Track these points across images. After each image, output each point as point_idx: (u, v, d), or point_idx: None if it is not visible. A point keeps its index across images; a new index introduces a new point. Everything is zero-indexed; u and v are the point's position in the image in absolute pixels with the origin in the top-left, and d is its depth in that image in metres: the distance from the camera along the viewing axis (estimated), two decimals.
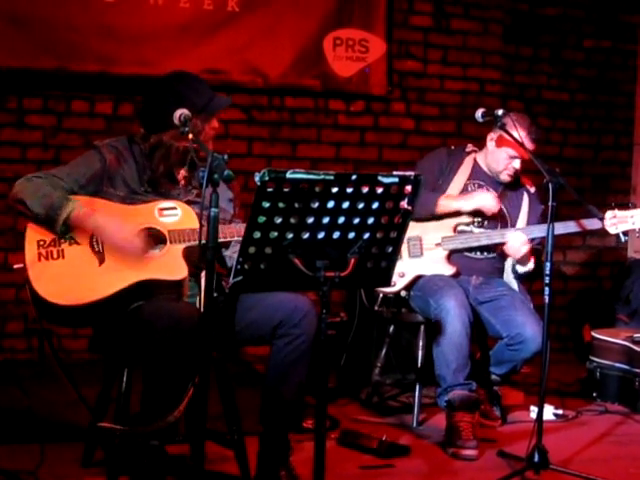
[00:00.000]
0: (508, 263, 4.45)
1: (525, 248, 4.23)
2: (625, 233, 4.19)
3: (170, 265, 3.19)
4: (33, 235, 3.24)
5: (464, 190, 4.45)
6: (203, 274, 3.09)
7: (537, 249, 4.39)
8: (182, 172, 3.44)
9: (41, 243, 3.22)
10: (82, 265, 3.19)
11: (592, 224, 4.18)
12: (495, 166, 4.43)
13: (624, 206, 4.23)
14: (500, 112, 4.06)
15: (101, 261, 3.20)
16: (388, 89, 6.10)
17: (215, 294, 2.77)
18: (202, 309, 3.02)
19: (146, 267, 3.18)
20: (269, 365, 3.30)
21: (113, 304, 3.15)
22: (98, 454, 3.47)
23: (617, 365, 4.99)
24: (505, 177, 4.43)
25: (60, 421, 3.87)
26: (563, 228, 4.17)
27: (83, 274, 3.18)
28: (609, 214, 4.19)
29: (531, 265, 4.32)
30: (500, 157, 4.40)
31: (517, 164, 4.36)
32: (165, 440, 3.13)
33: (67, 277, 3.16)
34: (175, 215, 3.28)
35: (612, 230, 4.18)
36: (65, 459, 3.53)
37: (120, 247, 3.18)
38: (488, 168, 4.47)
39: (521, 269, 4.36)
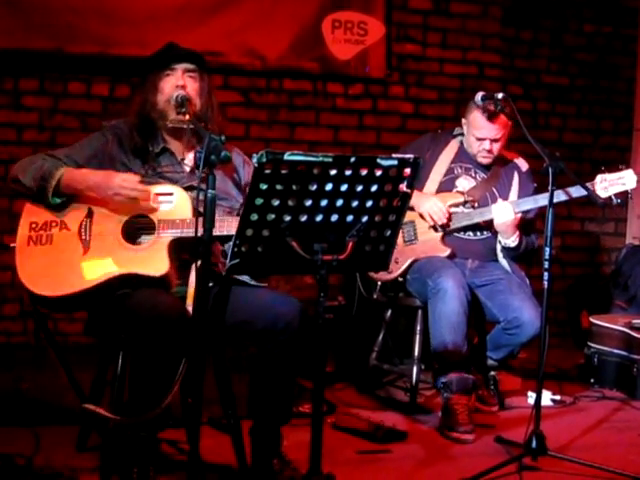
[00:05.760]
0: (498, 244, 4.43)
1: (510, 217, 4.21)
2: (617, 195, 4.16)
3: (152, 260, 3.13)
4: (28, 216, 3.24)
5: (449, 172, 4.47)
6: (193, 265, 3.07)
7: (530, 221, 4.37)
8: (189, 155, 3.39)
9: (33, 226, 3.21)
10: (67, 253, 3.17)
11: (578, 191, 4.11)
12: (470, 150, 4.46)
13: (614, 169, 4.19)
14: (500, 95, 4.02)
15: (85, 250, 3.17)
16: (387, 72, 6.06)
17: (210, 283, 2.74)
18: (189, 299, 3.04)
19: (128, 260, 3.14)
20: (255, 364, 3.21)
21: (95, 294, 3.13)
22: (93, 438, 3.45)
23: (615, 351, 4.99)
24: (482, 160, 4.44)
25: (55, 404, 3.85)
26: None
27: (66, 263, 3.15)
28: (599, 178, 4.16)
29: (515, 239, 4.28)
30: (470, 141, 4.43)
31: (487, 145, 4.36)
32: (155, 430, 3.10)
33: (51, 266, 3.15)
34: (169, 202, 3.20)
35: (603, 194, 4.15)
36: (60, 443, 3.50)
37: (123, 187, 3.13)
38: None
39: (504, 241, 4.32)
